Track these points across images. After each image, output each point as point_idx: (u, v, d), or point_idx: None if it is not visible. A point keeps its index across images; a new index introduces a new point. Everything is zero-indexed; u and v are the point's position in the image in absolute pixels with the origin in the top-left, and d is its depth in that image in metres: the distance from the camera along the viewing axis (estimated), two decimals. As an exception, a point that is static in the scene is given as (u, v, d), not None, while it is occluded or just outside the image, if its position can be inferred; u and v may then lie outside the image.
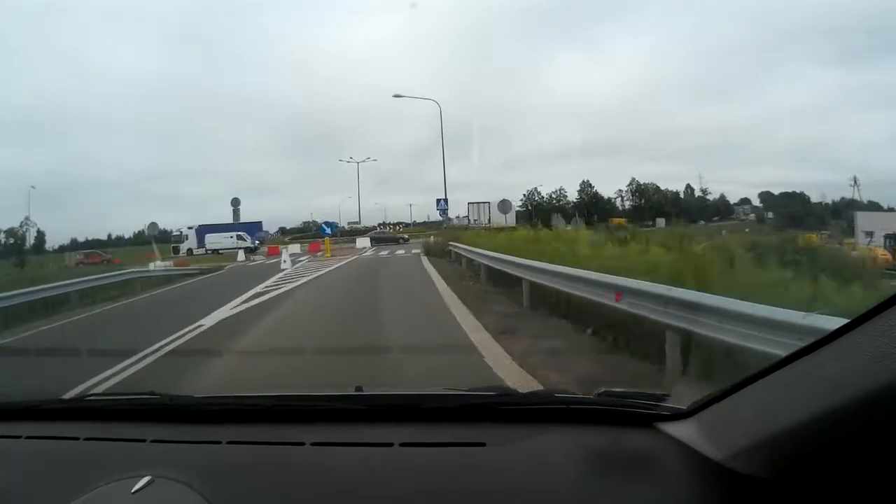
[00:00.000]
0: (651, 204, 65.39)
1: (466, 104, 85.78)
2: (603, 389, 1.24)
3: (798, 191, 59.95)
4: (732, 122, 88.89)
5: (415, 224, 57.73)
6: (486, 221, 42.08)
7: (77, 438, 1.26)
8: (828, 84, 75.51)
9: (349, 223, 51.95)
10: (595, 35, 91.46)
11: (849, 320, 0.71)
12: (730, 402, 0.96)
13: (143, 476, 1.02)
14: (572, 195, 63.41)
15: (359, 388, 1.41)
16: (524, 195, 64.91)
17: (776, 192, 61.00)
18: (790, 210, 49.92)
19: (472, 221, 42.29)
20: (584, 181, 72.95)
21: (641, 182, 69.77)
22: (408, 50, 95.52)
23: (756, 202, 63.19)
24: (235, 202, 33.22)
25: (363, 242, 35.34)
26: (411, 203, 67.03)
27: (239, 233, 38.89)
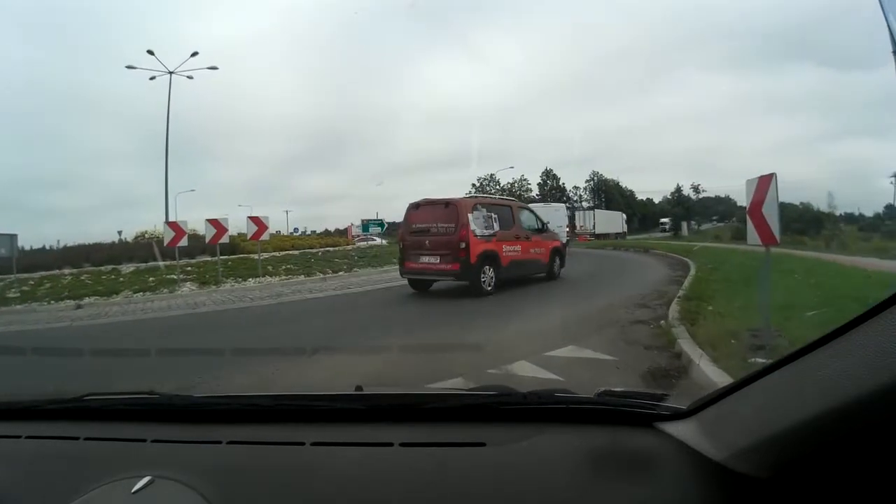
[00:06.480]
0: (614, 204, 61.33)
1: (336, 110, 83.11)
2: (603, 389, 1.24)
3: (718, 195, 59.58)
4: (621, 127, 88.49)
5: (305, 232, 46.10)
6: (591, 227, 37.97)
7: (77, 438, 1.26)
8: (721, 90, 74.53)
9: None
10: (472, 35, 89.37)
11: (849, 320, 0.71)
12: (730, 402, 0.96)
13: (143, 476, 1.02)
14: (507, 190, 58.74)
15: (359, 388, 1.41)
16: (474, 186, 58.56)
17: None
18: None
19: (578, 227, 36.43)
20: (546, 169, 69.02)
21: (605, 176, 66.14)
22: (282, 49, 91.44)
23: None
24: None
25: None
26: (288, 210, 59.55)
27: None
